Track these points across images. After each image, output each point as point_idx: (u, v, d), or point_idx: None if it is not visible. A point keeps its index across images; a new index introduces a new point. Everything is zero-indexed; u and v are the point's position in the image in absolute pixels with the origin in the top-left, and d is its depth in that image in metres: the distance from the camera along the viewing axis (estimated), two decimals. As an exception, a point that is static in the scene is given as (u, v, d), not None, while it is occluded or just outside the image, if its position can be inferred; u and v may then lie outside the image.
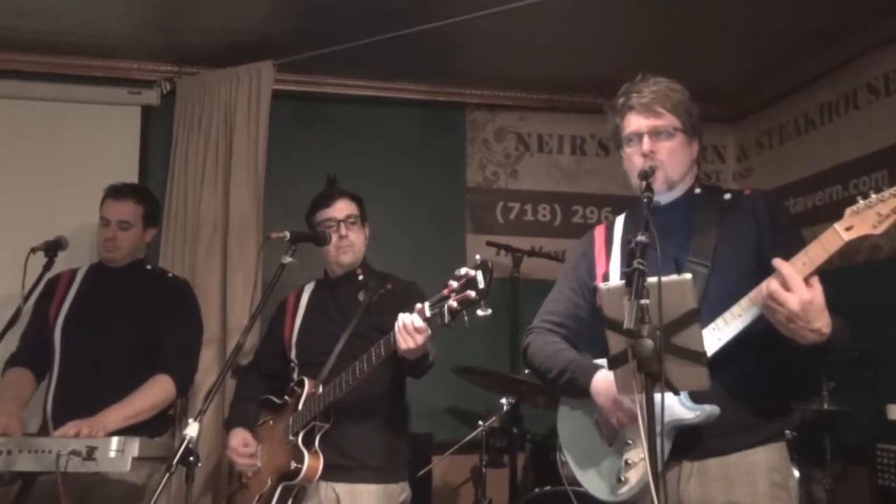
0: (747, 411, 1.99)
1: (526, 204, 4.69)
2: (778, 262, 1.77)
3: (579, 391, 2.14)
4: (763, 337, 1.89)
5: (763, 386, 2.01)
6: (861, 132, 3.91)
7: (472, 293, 2.19)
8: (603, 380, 2.06)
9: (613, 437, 2.10)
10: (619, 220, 2.30)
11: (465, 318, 2.23)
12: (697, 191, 2.19)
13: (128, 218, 3.13)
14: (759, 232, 2.06)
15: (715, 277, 2.00)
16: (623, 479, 2.04)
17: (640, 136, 2.10)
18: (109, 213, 3.14)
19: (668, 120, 2.09)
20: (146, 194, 3.32)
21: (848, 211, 1.75)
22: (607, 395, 2.04)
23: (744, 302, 1.89)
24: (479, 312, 2.20)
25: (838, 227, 1.75)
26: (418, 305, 2.36)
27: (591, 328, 2.24)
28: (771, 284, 1.77)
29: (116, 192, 3.18)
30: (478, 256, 2.26)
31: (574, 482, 2.27)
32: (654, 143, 2.08)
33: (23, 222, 3.86)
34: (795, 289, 1.74)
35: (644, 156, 2.08)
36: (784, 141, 4.49)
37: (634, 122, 2.11)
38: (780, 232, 2.04)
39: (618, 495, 2.05)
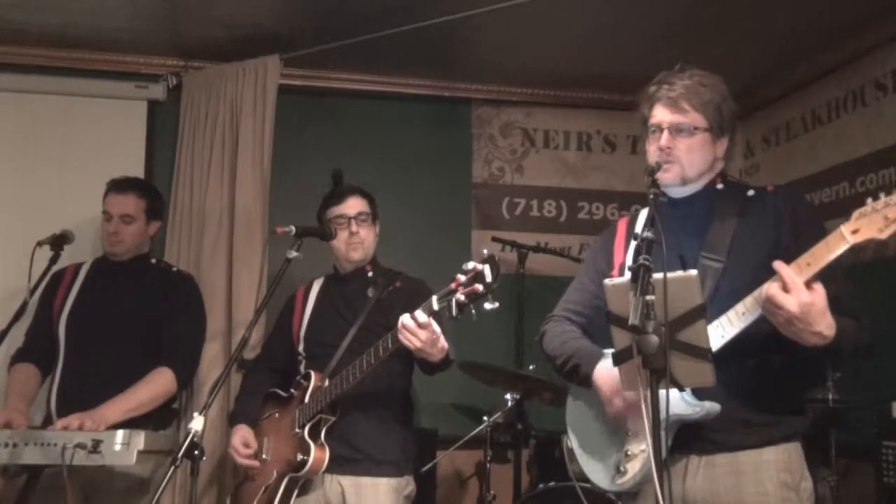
0: (753, 409, 1.97)
1: (532, 199, 4.68)
2: (777, 265, 1.76)
3: (582, 378, 2.15)
4: (771, 336, 1.86)
5: (770, 385, 1.99)
6: (869, 129, 3.88)
7: (480, 286, 2.22)
8: (605, 368, 2.07)
9: (615, 426, 2.10)
10: (643, 213, 2.26)
11: (473, 311, 2.25)
12: (720, 186, 2.16)
13: (130, 212, 3.14)
14: (780, 231, 2.03)
15: (728, 274, 1.99)
16: (623, 469, 2.05)
17: (660, 128, 2.08)
18: (112, 207, 3.15)
19: (691, 118, 2.06)
20: (149, 188, 3.33)
21: (856, 213, 1.72)
22: (607, 384, 2.05)
23: (748, 301, 1.87)
24: (487, 306, 2.24)
25: (844, 229, 1.72)
26: (417, 312, 2.38)
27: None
28: (770, 287, 1.76)
29: (119, 186, 3.19)
30: (485, 250, 2.28)
31: (581, 476, 2.29)
32: (673, 139, 2.06)
33: (29, 216, 3.87)
34: (794, 291, 1.73)
35: (660, 149, 2.07)
36: (791, 138, 4.47)
37: (659, 115, 2.09)
38: (802, 233, 1.98)
39: (617, 485, 2.07)
